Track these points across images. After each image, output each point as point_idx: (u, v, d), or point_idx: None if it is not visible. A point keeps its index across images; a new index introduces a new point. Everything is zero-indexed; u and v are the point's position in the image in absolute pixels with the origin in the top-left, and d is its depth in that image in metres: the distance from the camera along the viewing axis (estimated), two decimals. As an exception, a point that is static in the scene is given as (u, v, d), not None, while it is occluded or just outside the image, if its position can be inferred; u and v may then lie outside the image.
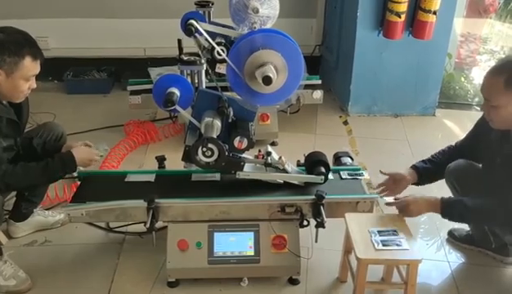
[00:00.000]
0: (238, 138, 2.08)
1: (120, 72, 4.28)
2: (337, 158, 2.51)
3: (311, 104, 3.49)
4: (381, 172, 2.29)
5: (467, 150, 2.27)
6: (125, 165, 3.09)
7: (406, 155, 3.32)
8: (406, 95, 3.83)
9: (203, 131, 2.07)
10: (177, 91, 2.11)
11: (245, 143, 2.09)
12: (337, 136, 3.57)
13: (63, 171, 2.15)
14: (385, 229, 1.97)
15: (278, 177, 2.19)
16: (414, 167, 2.29)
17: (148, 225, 1.99)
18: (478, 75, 4.78)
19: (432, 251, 2.45)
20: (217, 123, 2.07)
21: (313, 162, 2.23)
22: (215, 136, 2.01)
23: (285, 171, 2.21)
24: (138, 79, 3.40)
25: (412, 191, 2.22)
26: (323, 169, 2.19)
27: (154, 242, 2.10)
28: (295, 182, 2.21)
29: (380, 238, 1.92)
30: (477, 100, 4.24)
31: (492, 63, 5.13)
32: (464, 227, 2.45)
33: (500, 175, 2.00)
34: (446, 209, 1.98)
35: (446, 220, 2.54)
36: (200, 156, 1.99)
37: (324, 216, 2.04)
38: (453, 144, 2.36)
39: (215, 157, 1.99)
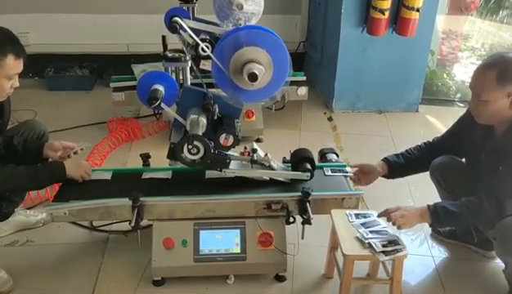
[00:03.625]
0: (224, 135, 2.07)
1: (103, 68, 4.22)
2: (322, 155, 2.51)
3: (295, 101, 3.51)
4: (349, 166, 2.29)
5: (445, 146, 2.29)
6: (108, 163, 3.05)
7: (389, 151, 3.26)
8: (389, 92, 3.86)
9: (188, 128, 2.05)
10: (161, 88, 2.08)
11: (231, 140, 2.08)
12: (322, 133, 3.58)
13: (50, 182, 2.14)
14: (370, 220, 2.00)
15: (264, 174, 2.18)
16: (385, 160, 2.31)
17: (133, 224, 1.96)
18: (459, 72, 4.85)
19: (416, 246, 2.48)
20: (203, 120, 2.06)
21: (299, 159, 2.23)
22: (201, 134, 1.99)
23: (270, 168, 2.20)
24: (121, 76, 3.36)
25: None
26: (309, 166, 2.20)
27: (140, 241, 2.08)
28: (281, 179, 2.21)
29: (367, 229, 1.94)
30: (459, 96, 4.30)
31: (473, 60, 5.23)
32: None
33: (486, 169, 2.02)
34: (435, 217, 1.96)
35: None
36: (186, 153, 1.97)
37: (310, 212, 2.04)
38: (430, 140, 2.38)
39: (201, 154, 1.98)
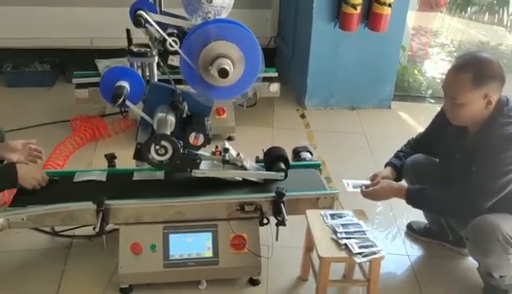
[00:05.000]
0: (193, 134, 1.97)
1: (65, 64, 4.03)
2: (296, 153, 2.44)
3: (267, 98, 3.43)
4: (371, 179, 2.18)
5: (423, 146, 2.26)
6: (72, 163, 2.90)
7: (363, 148, 3.31)
8: (362, 88, 3.83)
9: (155, 127, 1.95)
10: (126, 85, 1.97)
11: (201, 139, 1.98)
12: (295, 130, 3.52)
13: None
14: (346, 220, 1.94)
15: (236, 175, 2.09)
16: (392, 166, 2.24)
17: (97, 230, 1.84)
18: (430, 68, 4.88)
19: (390, 244, 2.45)
20: (171, 119, 1.95)
21: (273, 158, 2.15)
22: (169, 133, 1.89)
23: (243, 168, 2.11)
24: (85, 71, 3.20)
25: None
26: (283, 165, 2.12)
27: (106, 246, 1.96)
28: (254, 179, 2.13)
29: (343, 230, 1.88)
30: (430, 92, 4.32)
31: (443, 56, 5.28)
32: (423, 220, 2.45)
33: (460, 169, 1.99)
34: (411, 196, 1.99)
35: (404, 213, 2.60)
36: (153, 154, 1.86)
37: (284, 213, 1.97)
38: (413, 136, 2.35)
39: (169, 155, 1.87)
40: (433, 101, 4.16)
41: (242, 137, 3.31)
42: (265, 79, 3.33)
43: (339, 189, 2.18)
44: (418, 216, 2.46)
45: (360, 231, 1.89)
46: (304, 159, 2.38)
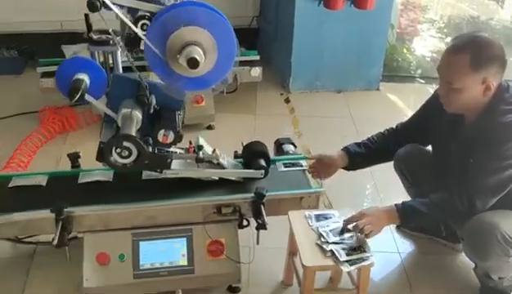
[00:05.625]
0: (162, 131, 1.78)
1: (34, 49, 3.76)
2: (278, 146, 2.26)
3: (249, 82, 3.22)
4: (308, 157, 2.06)
5: (410, 134, 2.08)
6: (39, 160, 2.69)
7: (351, 134, 3.13)
8: (349, 69, 3.63)
9: (120, 124, 1.75)
10: (85, 78, 1.76)
11: (171, 137, 1.79)
12: (279, 116, 3.33)
13: None
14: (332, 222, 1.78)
15: (212, 174, 1.91)
16: (346, 150, 2.08)
17: (56, 242, 1.66)
18: (419, 46, 4.69)
19: (380, 240, 2.27)
20: (137, 114, 1.75)
21: (252, 154, 1.98)
22: (134, 131, 1.69)
23: (220, 165, 1.93)
24: (50, 59, 2.96)
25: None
26: (263, 162, 1.94)
27: (69, 256, 1.79)
28: (232, 178, 1.95)
29: (329, 233, 1.71)
30: (419, 71, 4.14)
31: (433, 32, 5.08)
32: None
33: (455, 161, 1.83)
34: (404, 216, 1.76)
35: None
36: (115, 157, 1.66)
37: (265, 216, 1.80)
38: (394, 126, 2.17)
39: (133, 157, 1.68)
40: (422, 81, 3.99)
41: (222, 126, 3.12)
42: (246, 63, 3.13)
43: (325, 187, 2.01)
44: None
45: (347, 234, 1.72)
46: (287, 152, 2.21)
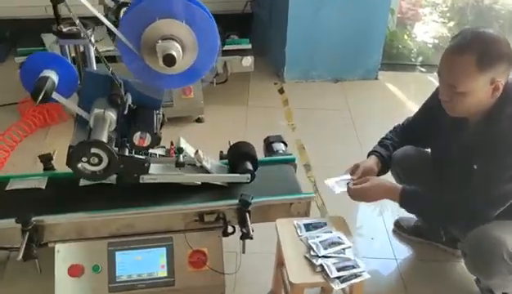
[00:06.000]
0: (138, 134, 1.63)
1: (16, 36, 3.57)
2: (268, 144, 2.12)
3: (241, 73, 3.06)
4: (351, 174, 1.86)
5: (415, 133, 1.93)
6: (16, 157, 2.55)
7: (347, 128, 2.99)
8: (346, 57, 3.45)
9: (92, 125, 1.60)
10: (53, 75, 1.61)
11: (148, 139, 1.64)
12: (272, 108, 3.17)
13: None
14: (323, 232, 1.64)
15: (194, 179, 1.77)
16: (377, 155, 1.90)
17: (21, 255, 1.52)
18: (420, 31, 4.50)
19: (376, 246, 2.17)
20: (110, 115, 1.61)
21: (238, 157, 1.83)
22: (105, 135, 1.54)
23: (203, 168, 1.79)
24: (29, 48, 2.80)
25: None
26: (249, 165, 1.80)
27: (39, 269, 1.66)
28: (217, 182, 1.81)
29: (319, 245, 1.58)
30: (421, 59, 3.96)
31: (435, 17, 4.88)
32: (413, 217, 2.17)
33: (458, 166, 1.68)
34: (406, 198, 1.68)
35: (391, 208, 2.32)
36: (84, 164, 1.52)
37: (250, 226, 1.66)
38: (400, 123, 2.02)
39: (104, 164, 1.53)
40: (423, 70, 3.81)
41: (212, 118, 2.97)
42: (237, 52, 2.97)
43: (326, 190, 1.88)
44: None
45: (339, 247, 1.59)
46: (277, 152, 2.06)
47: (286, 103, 3.23)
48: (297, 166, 2.00)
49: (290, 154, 2.05)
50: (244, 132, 2.85)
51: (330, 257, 1.54)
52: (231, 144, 1.96)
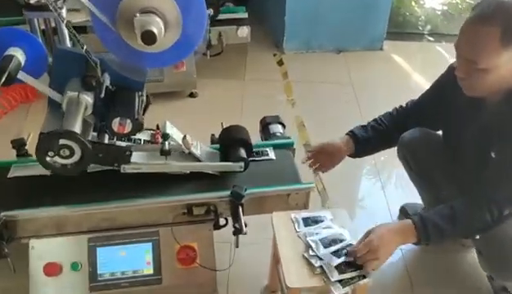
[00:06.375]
0: (117, 120, 1.45)
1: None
2: (264, 126, 1.94)
3: (237, 44, 2.85)
4: (308, 151, 1.74)
5: (421, 115, 1.75)
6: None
7: (350, 103, 2.80)
8: (350, 26, 3.23)
9: (65, 109, 1.43)
10: (19, 54, 1.42)
11: (128, 126, 1.47)
12: (270, 82, 2.98)
13: None
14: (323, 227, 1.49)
15: (181, 168, 1.61)
16: (351, 135, 1.75)
17: (-11, 256, 1.38)
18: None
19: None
20: (86, 99, 1.43)
21: (230, 142, 1.66)
22: (78, 122, 1.37)
23: (192, 156, 1.63)
24: (9, 17, 2.58)
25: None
26: (243, 152, 1.63)
27: (13, 268, 1.51)
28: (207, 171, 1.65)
29: (319, 242, 1.43)
30: (429, 27, 3.73)
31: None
32: (419, 202, 2.01)
33: (474, 152, 1.52)
34: (423, 237, 1.42)
35: (396, 193, 2.17)
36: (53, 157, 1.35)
37: (243, 221, 1.51)
38: (404, 104, 1.83)
39: (77, 157, 1.36)
40: (431, 39, 3.59)
41: (206, 93, 2.79)
42: (233, 22, 2.76)
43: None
44: (413, 197, 2.01)
45: (341, 245, 1.44)
46: (274, 134, 1.89)
47: (286, 76, 3.03)
48: (295, 150, 1.83)
49: (289, 137, 1.88)
50: (240, 108, 2.67)
51: (331, 254, 1.39)
52: (224, 126, 1.80)
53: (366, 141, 1.74)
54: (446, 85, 1.63)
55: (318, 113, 2.69)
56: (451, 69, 1.59)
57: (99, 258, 1.56)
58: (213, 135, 1.82)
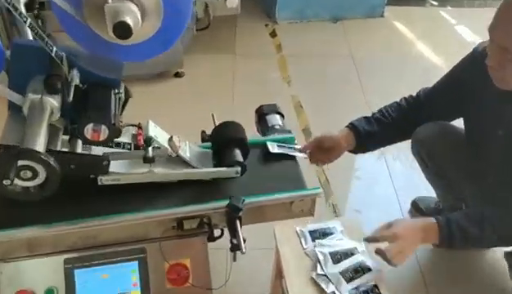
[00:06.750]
0: (90, 126, 1.23)
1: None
2: (261, 116, 1.72)
3: (226, 16, 2.59)
4: (301, 150, 1.53)
5: (438, 105, 1.55)
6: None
7: (351, 79, 2.59)
8: (347, -9, 2.98)
9: (26, 114, 1.20)
10: (-34, 50, 1.17)
11: (104, 132, 1.24)
12: (263, 56, 2.75)
13: None
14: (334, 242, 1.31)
15: (167, 177, 1.40)
16: (352, 128, 1.56)
17: None
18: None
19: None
20: (51, 102, 1.20)
21: (224, 144, 1.44)
22: (42, 135, 1.14)
23: (179, 159, 1.41)
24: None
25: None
26: (239, 155, 1.42)
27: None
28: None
29: (330, 260, 1.26)
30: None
31: None
32: (433, 196, 1.84)
33: (506, 154, 1.33)
34: (448, 239, 1.29)
35: (408, 187, 1.99)
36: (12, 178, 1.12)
37: (241, 236, 1.32)
38: (414, 94, 1.62)
39: (41, 179, 1.14)
40: (435, 3, 3.34)
41: (193, 72, 2.55)
42: (220, -9, 2.48)
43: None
44: (426, 191, 1.84)
45: (357, 262, 1.26)
46: (272, 127, 1.67)
47: (279, 48, 2.79)
48: (296, 141, 1.61)
49: (289, 131, 1.66)
50: (231, 89, 2.44)
51: (345, 277, 1.22)
52: (215, 118, 1.58)
53: (368, 135, 1.54)
54: (469, 72, 1.42)
55: (316, 92, 2.48)
56: (475, 53, 1.39)
57: (77, 282, 1.36)
58: (203, 132, 1.59)
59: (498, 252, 1.68)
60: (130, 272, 1.39)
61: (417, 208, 1.88)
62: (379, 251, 1.24)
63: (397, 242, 1.24)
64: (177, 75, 2.51)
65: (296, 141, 1.59)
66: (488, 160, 1.39)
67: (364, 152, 1.60)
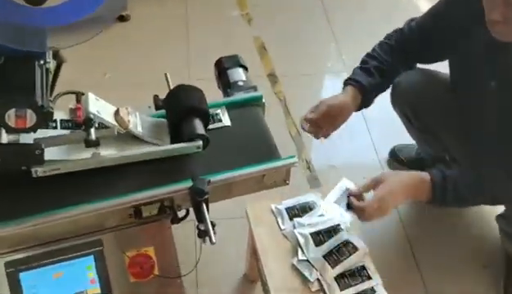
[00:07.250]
0: (12, 112, 1.00)
1: None
2: (221, 71, 1.50)
3: None
4: (306, 119, 1.34)
5: (424, 43, 1.36)
6: None
7: (319, 16, 2.33)
8: None
9: None
10: None
11: (31, 117, 1.01)
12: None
13: None
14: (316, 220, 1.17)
15: (116, 161, 1.19)
16: (359, 86, 1.36)
17: None
18: None
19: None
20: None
21: (181, 112, 1.24)
22: None
23: (129, 134, 1.21)
24: None
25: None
26: (200, 126, 1.22)
27: None
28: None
29: (311, 241, 1.12)
30: None
31: None
32: (413, 144, 1.71)
33: (497, 108, 1.18)
34: (439, 193, 1.18)
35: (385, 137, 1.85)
36: None
37: (209, 221, 1.15)
38: (400, 27, 1.43)
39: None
40: None
41: (140, 14, 2.25)
42: None
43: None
44: (406, 138, 1.70)
45: (339, 242, 1.13)
46: (235, 83, 1.46)
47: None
48: (265, 106, 1.42)
49: (254, 87, 1.45)
50: (185, 33, 2.17)
51: (328, 262, 1.09)
52: (169, 82, 1.37)
53: (374, 89, 1.37)
54: (460, 13, 1.24)
55: (281, 32, 2.24)
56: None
57: (25, 286, 1.19)
58: (156, 96, 1.36)
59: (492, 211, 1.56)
60: (85, 268, 1.23)
61: (396, 158, 1.75)
62: (356, 209, 1.13)
63: (381, 210, 1.13)
64: (122, 19, 2.20)
65: (264, 100, 1.40)
66: (481, 116, 1.25)
67: (366, 107, 1.41)
